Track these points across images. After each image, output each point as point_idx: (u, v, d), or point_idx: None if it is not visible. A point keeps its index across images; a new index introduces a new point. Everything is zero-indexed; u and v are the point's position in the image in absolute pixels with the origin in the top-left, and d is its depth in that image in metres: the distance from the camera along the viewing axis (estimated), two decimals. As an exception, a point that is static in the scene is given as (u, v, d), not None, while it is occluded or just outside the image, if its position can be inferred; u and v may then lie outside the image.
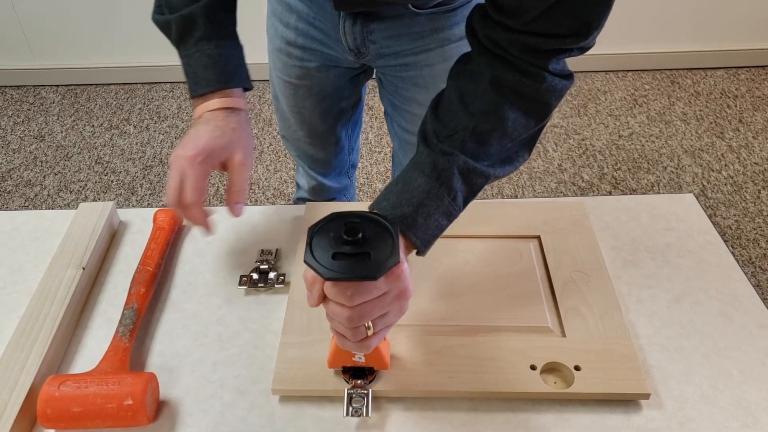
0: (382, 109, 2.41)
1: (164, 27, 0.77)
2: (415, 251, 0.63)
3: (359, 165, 1.91)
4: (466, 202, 0.64)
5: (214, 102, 0.73)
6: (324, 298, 0.56)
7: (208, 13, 0.74)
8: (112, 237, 0.85)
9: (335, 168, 1.28)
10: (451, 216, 0.63)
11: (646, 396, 0.62)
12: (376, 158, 2.24)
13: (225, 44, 0.75)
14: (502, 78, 0.62)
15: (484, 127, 0.62)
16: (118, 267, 0.81)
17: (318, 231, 0.54)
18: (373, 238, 0.54)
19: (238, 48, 0.78)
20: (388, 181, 2.18)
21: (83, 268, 0.76)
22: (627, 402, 0.63)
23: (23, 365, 0.65)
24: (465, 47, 0.69)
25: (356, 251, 0.52)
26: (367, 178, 2.17)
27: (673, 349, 0.68)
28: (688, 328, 0.70)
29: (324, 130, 1.15)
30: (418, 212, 0.61)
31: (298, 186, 1.38)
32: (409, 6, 0.84)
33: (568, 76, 0.64)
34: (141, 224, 0.87)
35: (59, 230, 0.85)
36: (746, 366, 0.66)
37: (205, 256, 0.81)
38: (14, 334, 0.68)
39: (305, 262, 0.52)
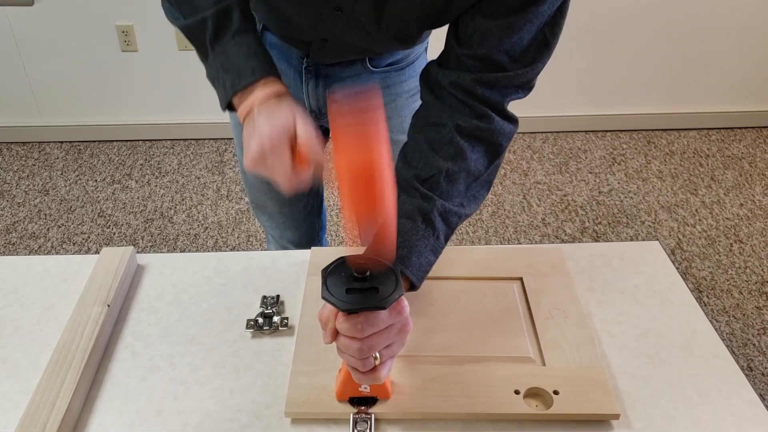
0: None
1: (196, 28, 0.75)
2: (409, 287, 0.72)
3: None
4: (446, 239, 0.75)
5: (260, 93, 0.70)
6: (336, 334, 0.64)
7: (240, 6, 0.75)
8: (133, 278, 0.93)
9: (306, 234, 1.29)
10: (437, 252, 0.74)
11: (617, 417, 0.70)
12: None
13: (257, 36, 0.75)
14: (463, 126, 0.75)
15: (454, 169, 0.75)
16: (139, 305, 0.88)
17: (330, 272, 0.63)
18: (379, 276, 0.63)
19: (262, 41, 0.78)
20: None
21: (108, 305, 0.84)
22: (600, 422, 0.71)
23: (59, 390, 0.73)
24: (413, 101, 0.81)
25: (366, 287, 0.61)
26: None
27: (640, 376, 0.77)
28: (653, 358, 0.79)
29: (292, 195, 1.18)
30: (413, 252, 0.71)
31: None
32: (367, 64, 0.97)
33: (514, 121, 0.78)
34: (160, 267, 0.95)
35: (85, 272, 0.93)
36: (704, 391, 0.75)
37: (220, 296, 0.89)
38: (49, 363, 0.76)
39: (323, 298, 0.61)
